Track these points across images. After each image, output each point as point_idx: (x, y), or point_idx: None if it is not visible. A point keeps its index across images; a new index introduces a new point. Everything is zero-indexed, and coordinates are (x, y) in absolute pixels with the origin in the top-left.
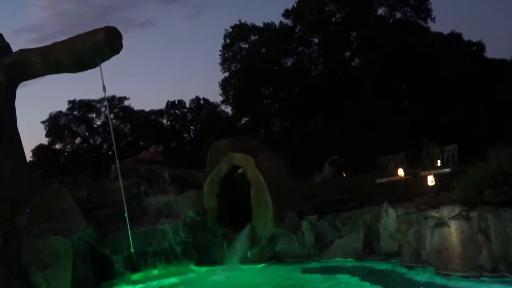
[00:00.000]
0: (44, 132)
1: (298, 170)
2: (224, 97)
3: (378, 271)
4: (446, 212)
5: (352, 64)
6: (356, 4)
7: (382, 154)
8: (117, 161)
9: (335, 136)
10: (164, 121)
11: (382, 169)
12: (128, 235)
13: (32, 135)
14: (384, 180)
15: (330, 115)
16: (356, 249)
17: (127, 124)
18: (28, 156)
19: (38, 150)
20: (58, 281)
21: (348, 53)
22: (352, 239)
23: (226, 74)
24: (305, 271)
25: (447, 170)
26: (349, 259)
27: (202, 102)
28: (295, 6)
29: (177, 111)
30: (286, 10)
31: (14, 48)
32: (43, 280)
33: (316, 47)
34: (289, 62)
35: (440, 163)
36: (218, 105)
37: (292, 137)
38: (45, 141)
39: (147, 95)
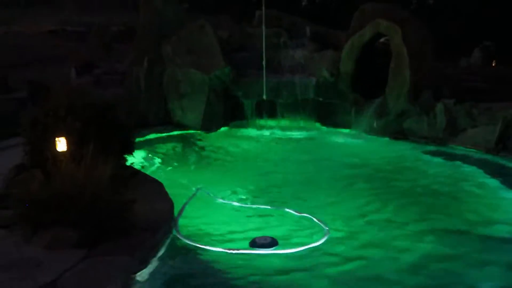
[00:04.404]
0: None
1: (445, 49)
2: None
3: (507, 169)
4: None
5: None
6: None
7: None
8: (263, 7)
9: (495, 22)
10: None
11: None
12: (263, 82)
13: None
14: None
15: None
16: (488, 142)
17: None
18: None
19: None
20: (192, 111)
21: None
22: (486, 131)
23: None
24: (430, 153)
25: None
26: (478, 151)
27: None
28: None
29: None
30: None
31: None
32: (179, 107)
33: None
34: None
35: None
36: None
37: (447, 14)
38: None
39: None
